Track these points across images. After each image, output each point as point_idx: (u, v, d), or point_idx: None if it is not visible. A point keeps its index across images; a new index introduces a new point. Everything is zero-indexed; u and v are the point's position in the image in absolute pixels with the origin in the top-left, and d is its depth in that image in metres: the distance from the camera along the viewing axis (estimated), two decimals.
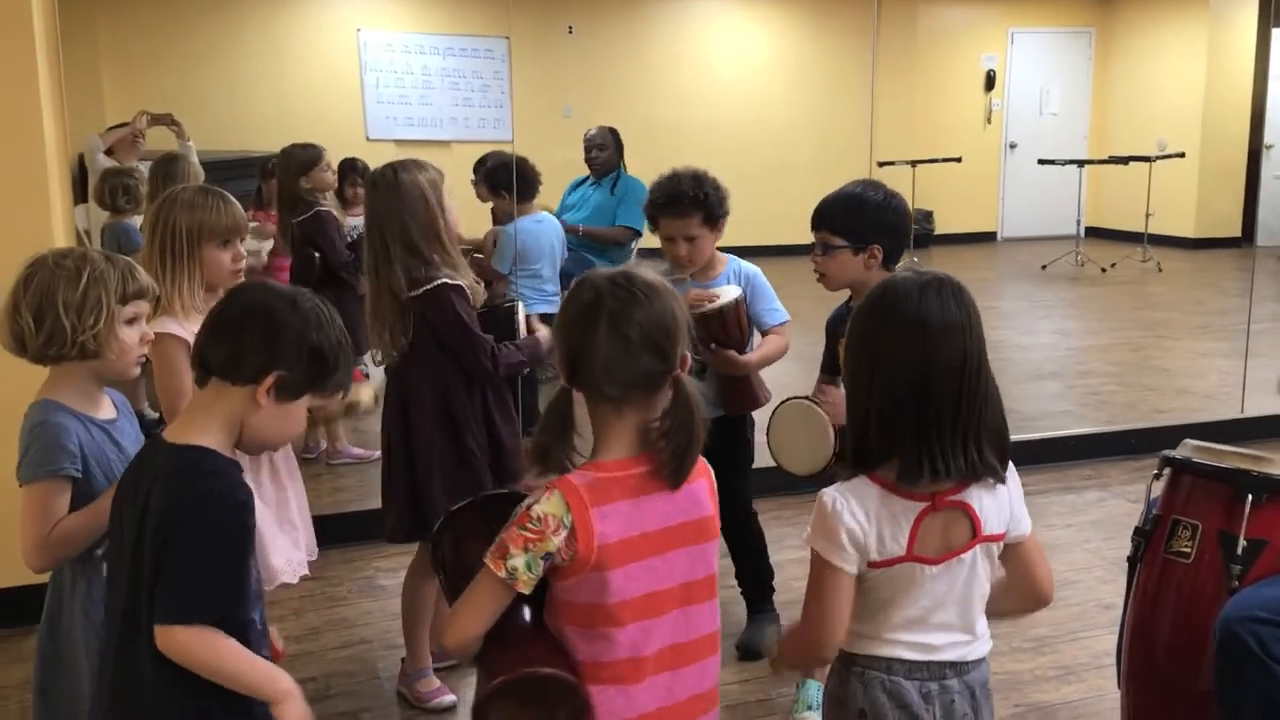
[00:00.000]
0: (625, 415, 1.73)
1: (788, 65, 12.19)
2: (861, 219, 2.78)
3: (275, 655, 2.03)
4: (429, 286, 2.90)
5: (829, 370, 3.04)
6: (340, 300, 4.97)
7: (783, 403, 3.07)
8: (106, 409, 2.18)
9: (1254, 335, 6.15)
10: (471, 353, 2.96)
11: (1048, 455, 5.07)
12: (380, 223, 2.93)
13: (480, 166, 5.79)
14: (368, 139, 10.80)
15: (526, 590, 1.67)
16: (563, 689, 1.67)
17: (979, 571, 1.81)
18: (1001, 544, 1.83)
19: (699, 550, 1.78)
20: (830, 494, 1.79)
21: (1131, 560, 2.47)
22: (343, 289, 4.92)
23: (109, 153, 6.71)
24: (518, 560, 1.65)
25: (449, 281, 2.92)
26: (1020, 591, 1.90)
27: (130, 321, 2.13)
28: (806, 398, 3.03)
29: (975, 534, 1.78)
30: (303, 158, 5.18)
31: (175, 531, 1.67)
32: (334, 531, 4.17)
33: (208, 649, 1.69)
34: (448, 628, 1.73)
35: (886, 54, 12.19)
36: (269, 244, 5.34)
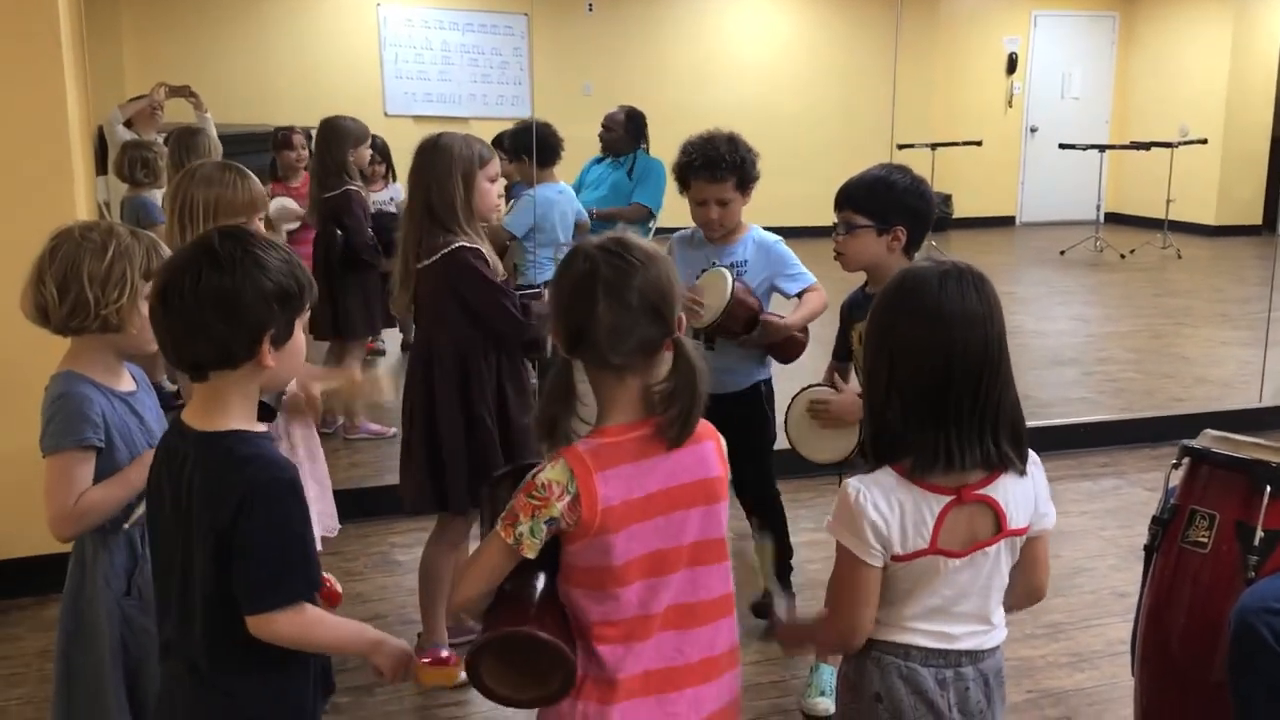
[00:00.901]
0: (627, 382, 1.73)
1: (807, 46, 12.13)
2: (888, 200, 2.78)
3: (335, 598, 2.08)
4: (445, 250, 2.92)
5: (841, 356, 3.04)
6: (363, 281, 5.01)
7: (798, 394, 3.08)
8: (126, 381, 2.20)
9: (1275, 324, 6.11)
10: (501, 309, 2.98)
11: (1064, 442, 5.06)
12: (415, 188, 2.97)
13: (499, 142, 5.77)
14: (386, 114, 10.79)
15: (531, 554, 1.70)
16: (555, 657, 1.69)
17: (1001, 563, 1.81)
18: (1024, 537, 1.82)
19: (707, 511, 1.78)
20: (854, 485, 1.78)
21: (1148, 549, 2.47)
22: (365, 270, 4.94)
23: (128, 124, 6.73)
24: (524, 526, 1.68)
25: (466, 244, 2.95)
26: (1019, 585, 1.90)
27: None
28: (820, 386, 3.04)
29: (1001, 528, 1.78)
30: (355, 130, 5.16)
31: (236, 523, 1.67)
32: (349, 507, 4.18)
33: (303, 626, 1.72)
34: (454, 587, 1.79)
35: (907, 35, 12.10)
36: (295, 224, 5.33)
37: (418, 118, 10.91)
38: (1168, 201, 11.16)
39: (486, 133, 10.21)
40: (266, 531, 1.69)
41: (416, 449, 3.06)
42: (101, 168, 6.90)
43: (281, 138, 6.14)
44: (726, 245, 3.37)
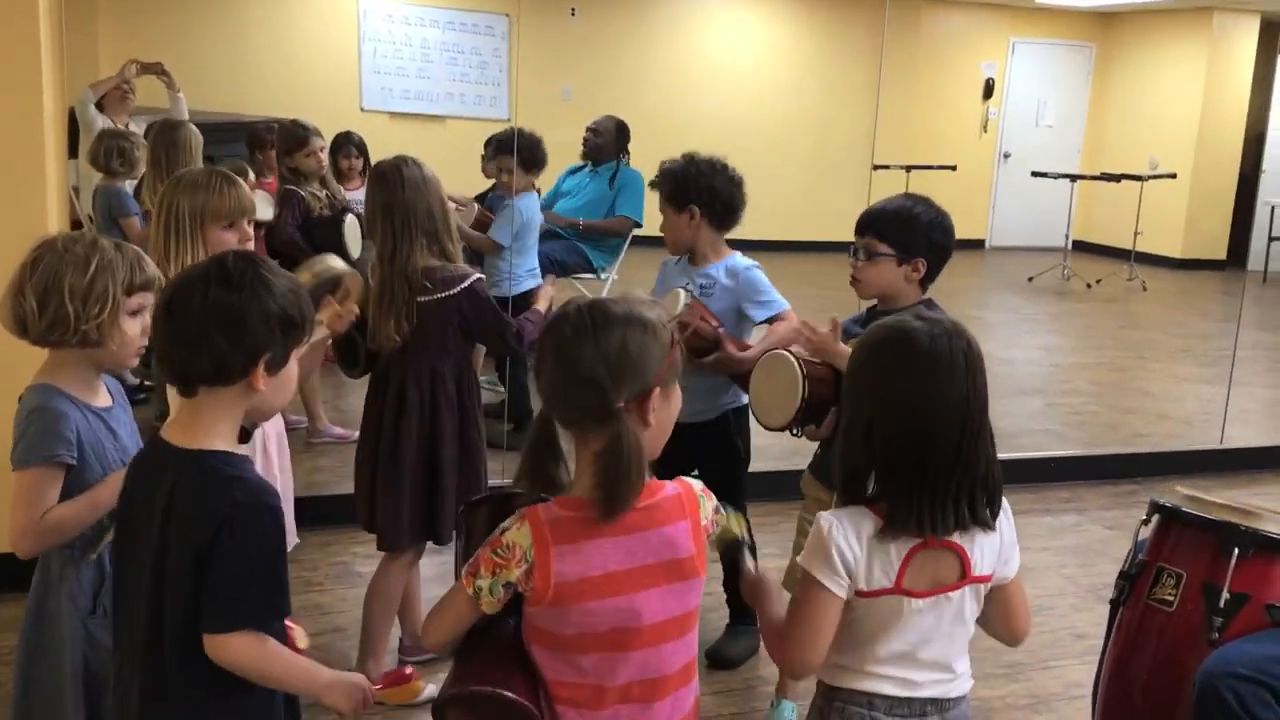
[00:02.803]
0: (590, 444, 1.70)
1: (788, 62, 12.17)
2: (913, 231, 2.77)
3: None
4: (464, 285, 2.95)
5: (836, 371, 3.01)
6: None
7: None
8: (103, 396, 2.17)
9: (1238, 363, 6.20)
10: (504, 340, 3.07)
11: (1028, 475, 5.10)
12: (404, 211, 2.94)
13: (494, 143, 5.71)
14: (362, 109, 10.73)
15: (489, 611, 1.70)
16: (520, 715, 1.67)
17: (965, 610, 1.82)
18: (989, 584, 1.84)
19: (674, 589, 1.74)
20: (828, 518, 1.79)
21: (1114, 603, 2.49)
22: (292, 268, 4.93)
23: (99, 107, 6.62)
24: (484, 582, 1.68)
25: (480, 276, 3.02)
26: (996, 629, 1.93)
27: (134, 313, 2.11)
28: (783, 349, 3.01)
29: (965, 574, 1.79)
30: (290, 136, 5.18)
31: (216, 542, 1.67)
32: (311, 514, 4.14)
33: (258, 654, 1.72)
34: (424, 629, 1.80)
35: (887, 56, 12.19)
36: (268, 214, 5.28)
37: (394, 114, 10.86)
38: (1135, 233, 11.29)
39: (463, 132, 10.23)
40: (242, 554, 1.68)
41: (410, 482, 3.02)
42: (72, 151, 6.79)
43: (260, 139, 6.09)
44: (701, 268, 3.38)
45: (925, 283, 2.83)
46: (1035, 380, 7.13)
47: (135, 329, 2.11)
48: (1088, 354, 8.13)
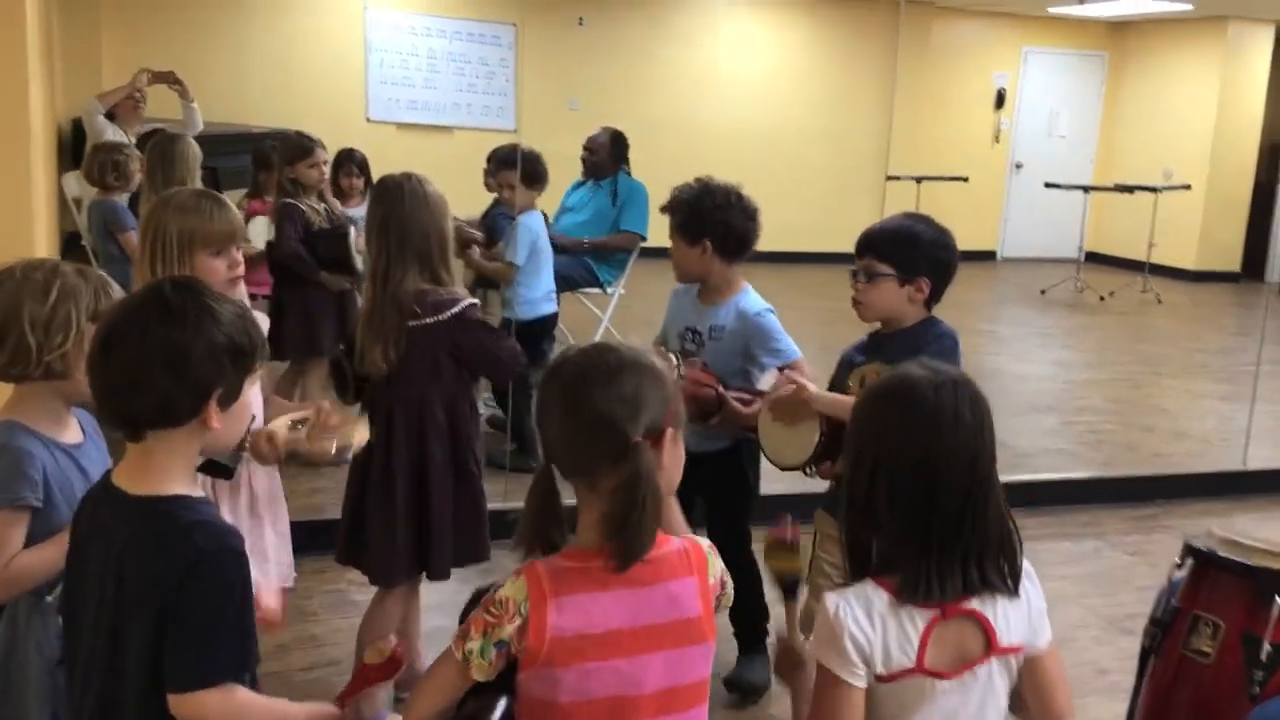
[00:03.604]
0: (597, 492, 1.59)
1: (799, 72, 12.06)
2: (914, 250, 2.67)
3: (272, 623, 2.05)
4: (455, 311, 2.82)
5: None
6: (304, 298, 4.86)
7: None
8: (73, 432, 2.05)
9: (1260, 379, 6.05)
10: (501, 363, 2.97)
11: (1044, 498, 4.95)
12: (401, 231, 2.82)
13: (496, 158, 5.58)
14: (368, 120, 10.65)
15: (479, 677, 1.57)
16: None
17: (996, 685, 1.69)
18: (1021, 655, 1.70)
19: (680, 655, 1.62)
20: (833, 599, 1.66)
21: (1146, 650, 2.35)
22: (302, 286, 4.80)
23: (110, 117, 6.50)
24: (474, 644, 1.56)
25: (473, 300, 2.90)
26: (1032, 709, 1.77)
27: None
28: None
29: (990, 646, 1.66)
30: (295, 146, 5.01)
31: (177, 593, 1.55)
32: (306, 539, 3.99)
33: (229, 709, 1.60)
34: (409, 703, 1.65)
35: (899, 66, 12.08)
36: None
37: (400, 125, 10.77)
38: (1150, 245, 11.15)
39: (469, 143, 10.13)
40: (207, 603, 1.57)
41: (402, 514, 2.89)
42: (75, 162, 6.67)
43: (266, 159, 5.98)
44: (712, 306, 3.27)
45: (929, 303, 2.72)
46: (1049, 397, 6.98)
47: None
48: (1102, 369, 7.98)
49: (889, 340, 2.75)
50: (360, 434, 2.69)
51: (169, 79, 6.78)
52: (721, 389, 3.11)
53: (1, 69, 3.36)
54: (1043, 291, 10.81)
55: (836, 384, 2.88)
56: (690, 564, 1.65)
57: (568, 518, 1.63)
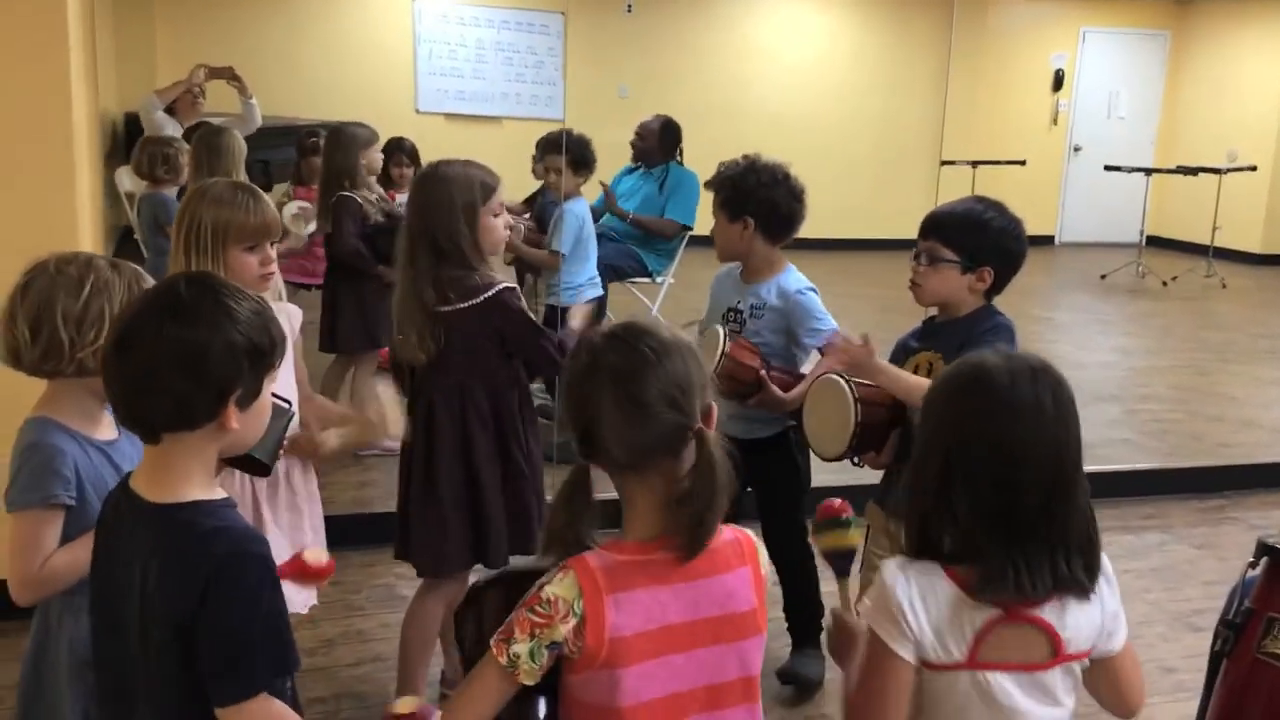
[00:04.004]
0: (651, 484, 1.53)
1: (849, 56, 11.89)
2: (981, 237, 2.55)
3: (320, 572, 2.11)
4: (490, 293, 2.73)
5: None
6: (358, 291, 4.80)
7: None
8: (107, 428, 2.01)
9: None
10: (545, 352, 2.83)
11: (1107, 490, 4.81)
12: (429, 212, 2.76)
13: (543, 143, 5.52)
14: (417, 111, 10.64)
15: (529, 682, 1.49)
16: None
17: (1059, 692, 1.61)
18: (1087, 660, 1.61)
19: (732, 649, 1.56)
20: (892, 568, 1.59)
21: (1217, 653, 2.24)
22: (359, 279, 4.73)
23: (170, 112, 6.51)
24: (520, 647, 1.47)
25: (508, 284, 2.79)
26: (1103, 698, 1.71)
27: None
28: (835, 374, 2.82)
29: (1056, 652, 1.58)
30: (363, 135, 4.91)
31: (202, 605, 1.49)
32: (355, 532, 4.01)
33: (271, 717, 1.55)
34: (447, 712, 1.57)
35: (954, 49, 11.87)
36: (312, 226, 5.14)
37: (449, 115, 10.75)
38: (1214, 229, 10.86)
39: (518, 132, 10.10)
40: (237, 615, 1.51)
41: (449, 503, 2.82)
42: (130, 157, 6.69)
43: (310, 145, 5.96)
44: (753, 284, 3.20)
45: (991, 293, 2.61)
46: (1111, 385, 6.81)
47: None
48: (1165, 356, 7.77)
49: (943, 328, 2.65)
50: (395, 423, 2.64)
51: (227, 74, 6.77)
52: (763, 369, 3.03)
53: (42, 63, 3.33)
54: (1103, 276, 10.57)
55: None
56: (744, 554, 1.59)
57: (604, 513, 1.56)
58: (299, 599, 2.54)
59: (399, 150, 5.98)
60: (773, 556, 3.31)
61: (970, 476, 1.56)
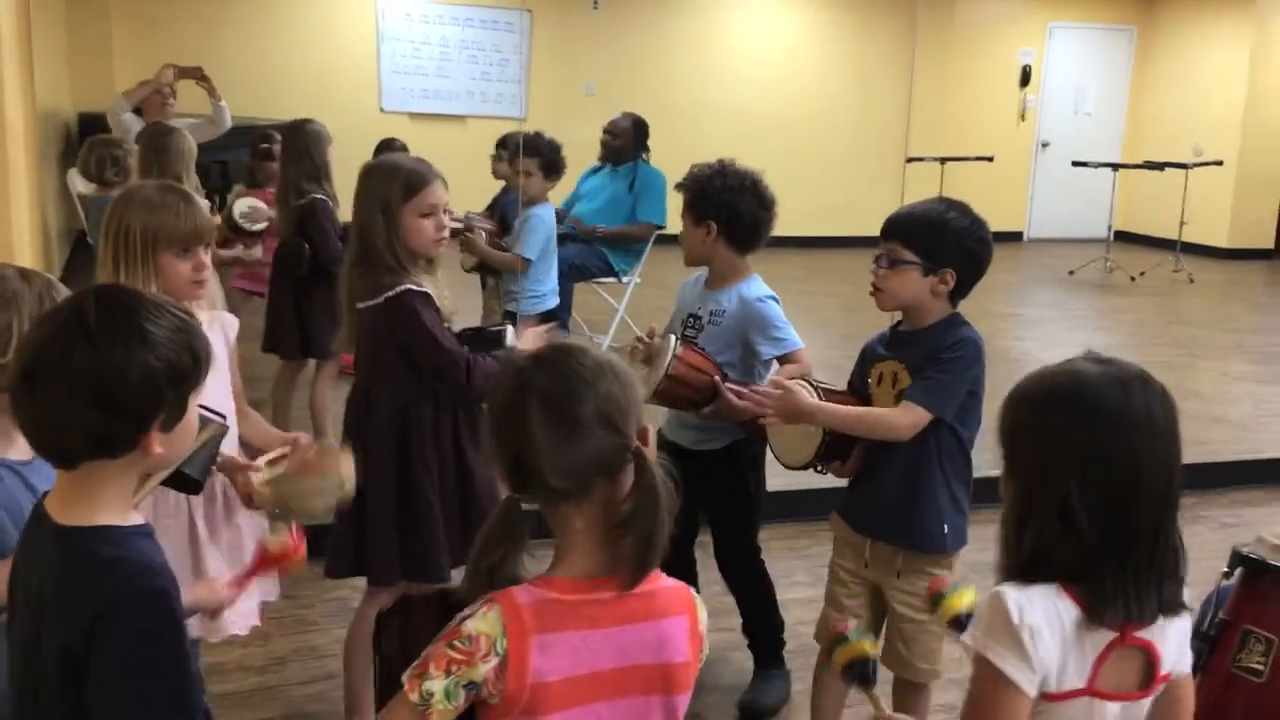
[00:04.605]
0: (585, 513, 1.42)
1: (817, 52, 11.84)
2: (942, 238, 2.47)
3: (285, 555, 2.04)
4: (390, 293, 2.60)
5: (856, 393, 2.71)
6: (334, 296, 4.65)
7: None
8: (21, 447, 1.88)
9: None
10: (441, 366, 2.65)
11: None
12: (355, 209, 2.68)
13: (512, 144, 5.42)
14: (381, 110, 10.51)
15: None
16: None
17: (1144, 714, 1.57)
18: (1165, 684, 1.57)
19: (660, 704, 1.46)
20: (1014, 596, 1.48)
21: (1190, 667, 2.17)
22: (335, 284, 4.59)
23: (138, 112, 6.34)
24: (434, 684, 1.36)
25: (414, 287, 2.62)
26: None
27: None
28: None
29: (1154, 675, 1.53)
30: (326, 132, 4.73)
31: (94, 642, 1.37)
32: (310, 543, 3.89)
33: None
34: None
35: (921, 44, 11.83)
36: (262, 225, 4.99)
37: (414, 115, 10.62)
38: (1181, 224, 10.88)
39: (483, 131, 9.98)
40: (125, 659, 1.39)
41: (368, 506, 2.70)
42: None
43: (263, 150, 5.83)
44: (715, 291, 3.12)
45: (955, 297, 2.53)
46: None
47: None
48: (1135, 353, 7.70)
49: (909, 339, 2.57)
50: (348, 475, 2.41)
51: (196, 74, 6.61)
52: (718, 377, 2.94)
53: None
54: (1071, 272, 10.57)
55: (858, 376, 2.70)
56: (683, 603, 1.49)
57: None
58: (239, 620, 2.43)
59: (388, 149, 5.92)
60: (725, 573, 3.27)
61: (1089, 493, 1.48)
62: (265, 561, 2.08)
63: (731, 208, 3.02)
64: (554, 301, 5.12)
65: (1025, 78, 12.77)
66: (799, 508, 4.28)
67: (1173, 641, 1.54)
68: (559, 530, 1.45)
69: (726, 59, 11.53)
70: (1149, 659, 1.52)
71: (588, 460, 1.40)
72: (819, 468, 2.64)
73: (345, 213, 3.35)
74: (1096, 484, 1.47)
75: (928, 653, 2.56)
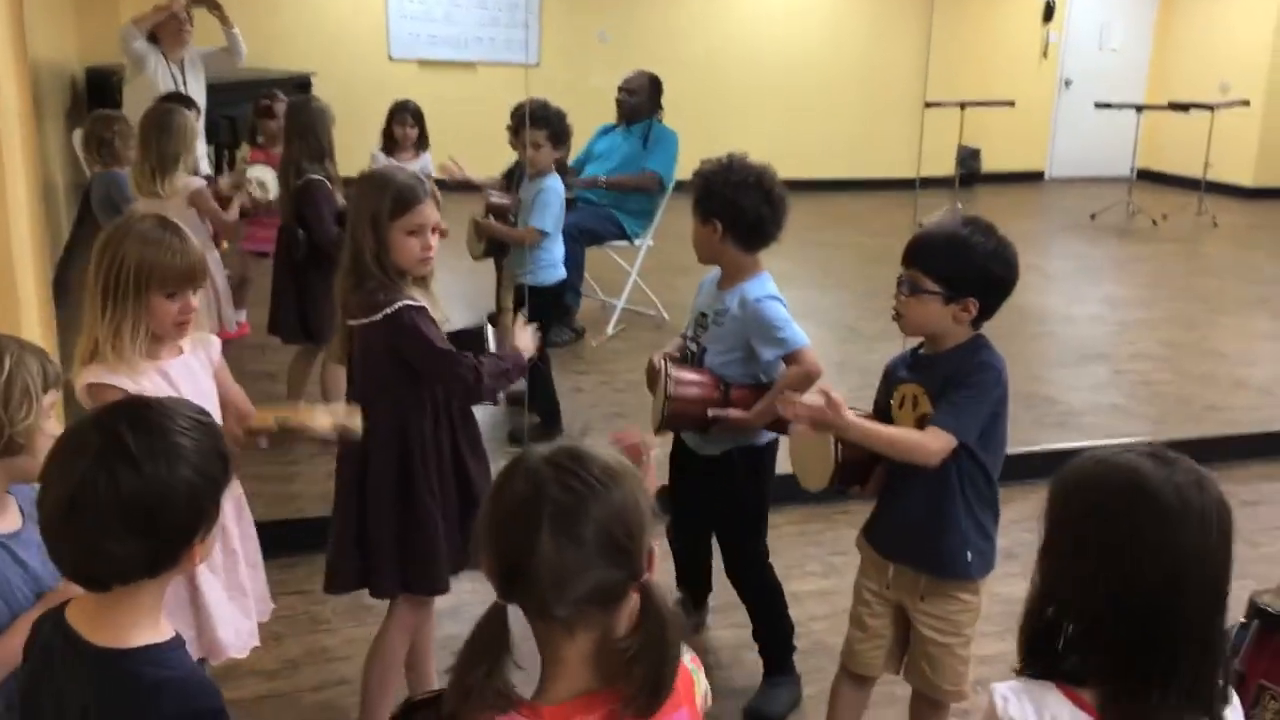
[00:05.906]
0: (578, 638, 1.33)
1: None
2: (965, 265, 2.39)
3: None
4: (389, 310, 2.57)
5: (880, 414, 2.63)
6: (331, 277, 4.58)
7: None
8: (10, 517, 1.86)
9: None
10: (449, 373, 2.63)
11: None
12: (349, 220, 2.64)
13: (519, 116, 5.28)
14: (390, 58, 10.36)
15: None
16: None
17: None
18: None
19: None
20: (1002, 694, 1.45)
21: None
22: (333, 264, 4.51)
23: (153, 40, 6.20)
24: None
25: (410, 303, 2.58)
26: None
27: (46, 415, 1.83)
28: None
29: None
30: (329, 111, 4.58)
31: None
32: (318, 538, 3.85)
33: None
34: None
35: None
36: (274, 194, 4.91)
37: (423, 62, 10.46)
38: (1205, 164, 10.67)
39: (492, 78, 9.80)
40: None
41: (342, 520, 2.73)
42: (106, 105, 6.32)
43: (263, 107, 5.74)
44: (723, 291, 3.06)
45: (979, 321, 2.46)
46: (1099, 343, 6.67)
47: (55, 430, 1.81)
48: (1155, 308, 7.62)
49: (929, 362, 2.51)
50: (355, 420, 2.52)
51: (208, 2, 6.45)
52: (719, 391, 2.93)
53: None
54: (1092, 217, 10.41)
55: (882, 396, 2.63)
56: (679, 694, 1.41)
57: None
58: (238, 642, 2.44)
59: (404, 111, 5.91)
60: (731, 578, 3.24)
61: (1122, 585, 1.42)
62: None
63: (735, 205, 2.94)
64: (563, 272, 5.04)
65: (1049, 12, 12.46)
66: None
67: None
68: (546, 649, 1.35)
69: (742, 4, 11.27)
70: None
71: (590, 588, 1.31)
72: (841, 490, 2.61)
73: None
74: (1135, 588, 1.41)
75: (953, 675, 2.54)
